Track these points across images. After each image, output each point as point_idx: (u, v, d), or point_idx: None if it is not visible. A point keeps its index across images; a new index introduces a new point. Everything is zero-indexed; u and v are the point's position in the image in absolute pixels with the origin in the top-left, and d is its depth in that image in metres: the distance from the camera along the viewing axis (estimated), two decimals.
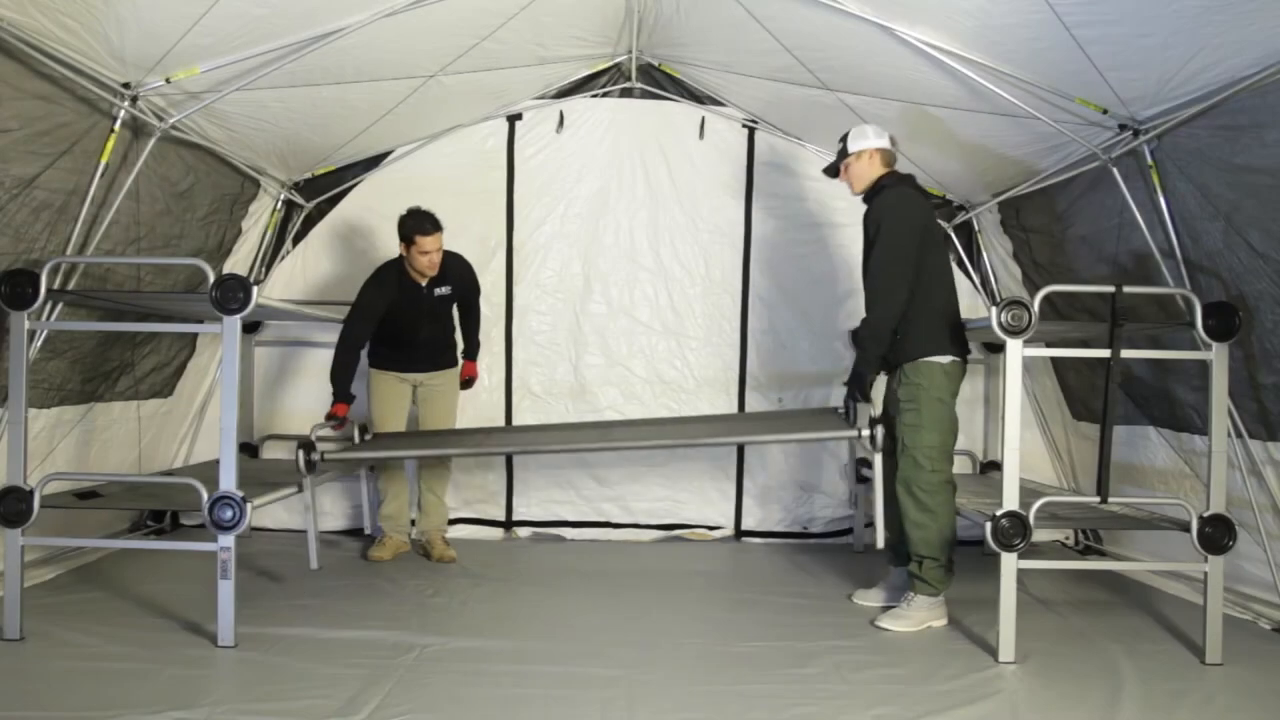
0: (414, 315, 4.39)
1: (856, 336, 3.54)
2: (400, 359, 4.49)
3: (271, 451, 5.14)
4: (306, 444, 3.84)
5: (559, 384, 5.20)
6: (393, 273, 4.34)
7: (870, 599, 3.84)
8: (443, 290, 4.43)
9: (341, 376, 4.24)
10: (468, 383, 4.77)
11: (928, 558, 3.50)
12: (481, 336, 4.80)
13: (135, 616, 3.46)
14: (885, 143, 3.67)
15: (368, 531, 4.71)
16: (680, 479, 5.15)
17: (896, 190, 3.59)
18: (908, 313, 3.49)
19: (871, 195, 3.63)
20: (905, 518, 3.54)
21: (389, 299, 4.30)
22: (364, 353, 4.36)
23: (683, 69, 5.06)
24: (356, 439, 4.22)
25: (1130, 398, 4.20)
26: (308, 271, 5.18)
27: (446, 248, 4.32)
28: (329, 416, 4.15)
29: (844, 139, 3.71)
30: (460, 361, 4.73)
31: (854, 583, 4.08)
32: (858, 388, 3.58)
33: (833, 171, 3.80)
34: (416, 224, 4.21)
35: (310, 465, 3.83)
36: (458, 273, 4.49)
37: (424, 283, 4.35)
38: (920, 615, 3.54)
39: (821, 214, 5.20)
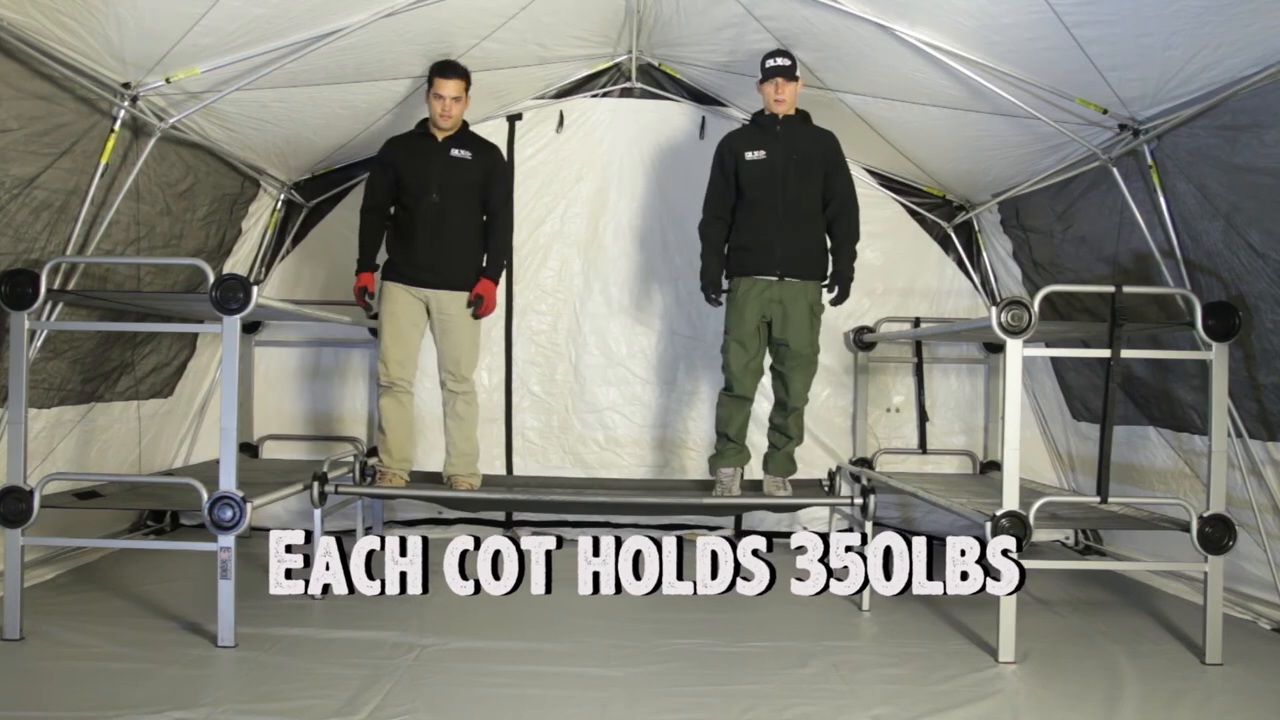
0: (425, 170, 4.15)
1: (850, 246, 4.15)
2: (411, 252, 4.16)
3: (271, 451, 5.15)
4: (320, 477, 3.86)
5: (559, 383, 5.21)
6: (412, 129, 4.30)
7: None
8: (460, 153, 4.20)
9: (363, 238, 4.28)
10: (476, 305, 4.23)
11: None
12: (482, 336, 4.57)
13: (135, 616, 3.46)
14: None
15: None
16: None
17: (828, 130, 4.19)
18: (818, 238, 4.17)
19: (798, 120, 4.15)
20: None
21: (400, 147, 4.23)
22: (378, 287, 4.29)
23: (683, 69, 5.06)
24: (357, 475, 4.16)
25: (1130, 398, 4.20)
26: (308, 271, 5.19)
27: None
28: (356, 290, 4.24)
29: (790, 56, 4.06)
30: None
31: None
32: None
33: (792, 74, 4.06)
34: (438, 66, 4.12)
35: (323, 497, 3.86)
36: (483, 147, 4.30)
37: (440, 137, 4.20)
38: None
39: None
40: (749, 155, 4.10)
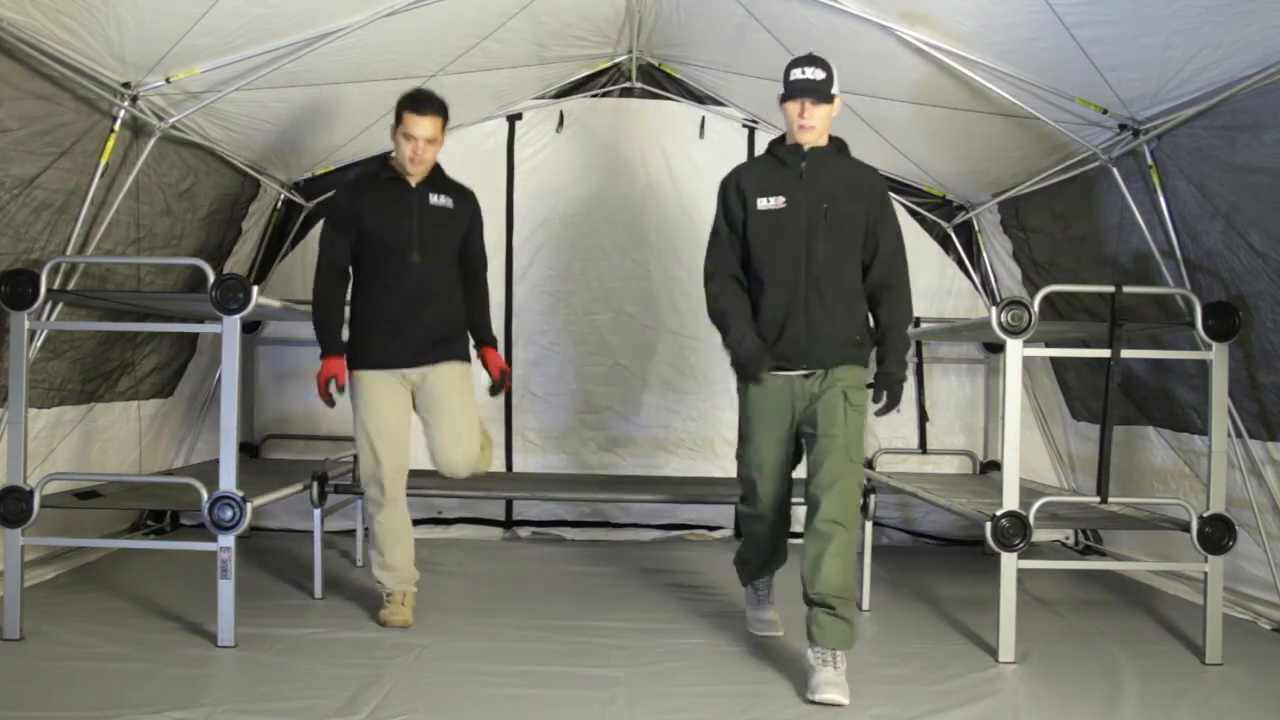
0: (403, 224, 3.34)
1: (902, 331, 3.04)
2: (392, 331, 3.37)
3: (271, 451, 5.15)
4: (320, 477, 3.86)
5: (559, 384, 5.21)
6: (370, 167, 3.47)
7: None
8: (441, 200, 3.41)
9: (324, 311, 3.38)
10: (499, 382, 3.64)
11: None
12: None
13: (135, 616, 3.47)
14: None
15: (359, 564, 4.33)
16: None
17: (870, 165, 3.12)
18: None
19: (832, 153, 3.04)
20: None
21: (367, 195, 3.37)
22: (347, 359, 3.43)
23: (683, 69, 5.06)
24: (357, 475, 3.65)
25: (1130, 398, 4.20)
26: (308, 271, 5.16)
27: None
28: (323, 381, 3.32)
29: (825, 65, 2.93)
30: (470, 356, 3.59)
31: None
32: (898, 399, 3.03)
33: (826, 93, 2.92)
34: (410, 99, 3.29)
35: (323, 497, 3.86)
36: (461, 192, 3.52)
37: (414, 182, 3.39)
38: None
39: None
40: (763, 203, 2.98)
